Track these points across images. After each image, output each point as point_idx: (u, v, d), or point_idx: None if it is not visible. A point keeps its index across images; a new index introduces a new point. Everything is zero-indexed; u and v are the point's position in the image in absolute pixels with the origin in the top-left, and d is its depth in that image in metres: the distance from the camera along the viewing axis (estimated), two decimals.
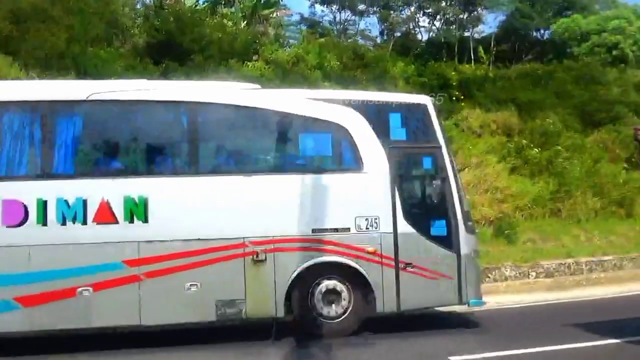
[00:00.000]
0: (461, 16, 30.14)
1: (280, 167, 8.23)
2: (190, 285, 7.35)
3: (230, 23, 22.65)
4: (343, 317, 7.75)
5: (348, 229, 7.76)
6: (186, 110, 7.93)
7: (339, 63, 22.74)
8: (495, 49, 29.05)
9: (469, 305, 8.20)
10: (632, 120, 24.67)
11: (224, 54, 20.30)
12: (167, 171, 7.94)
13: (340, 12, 31.43)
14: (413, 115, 8.45)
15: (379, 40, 31.67)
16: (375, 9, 30.86)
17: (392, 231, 7.80)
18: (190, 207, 7.50)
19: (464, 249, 7.99)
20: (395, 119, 8.20)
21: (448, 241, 7.99)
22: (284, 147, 8.42)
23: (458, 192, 8.14)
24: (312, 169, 8.07)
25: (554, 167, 19.12)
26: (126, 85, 8.52)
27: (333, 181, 7.82)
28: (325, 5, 31.27)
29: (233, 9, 24.06)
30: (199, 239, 7.40)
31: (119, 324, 7.54)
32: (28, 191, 7.19)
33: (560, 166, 19.16)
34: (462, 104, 22.95)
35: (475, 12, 30.33)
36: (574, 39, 29.45)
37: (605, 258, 14.56)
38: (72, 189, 7.30)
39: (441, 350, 7.10)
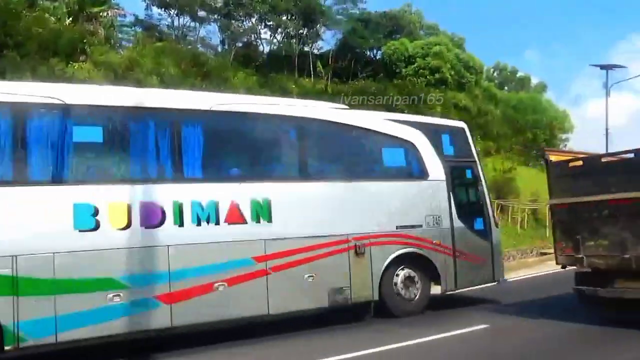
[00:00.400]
0: (301, 31, 30.82)
1: (370, 175, 9.87)
2: (308, 276, 8.59)
3: (52, 18, 20.34)
4: (417, 298, 9.70)
5: (420, 226, 9.75)
6: (301, 124, 9.28)
7: (177, 69, 21.76)
8: (333, 65, 30.29)
9: (499, 282, 10.74)
10: None
11: (44, 51, 18.12)
12: (286, 177, 9.08)
13: (178, 17, 30.04)
14: (457, 136, 10.69)
15: (220, 49, 30.98)
16: (216, 17, 30.10)
17: (449, 226, 9.99)
18: (305, 209, 8.71)
19: (494, 239, 10.56)
20: (445, 139, 10.39)
21: (484, 233, 10.48)
22: (373, 159, 10.13)
23: (488, 196, 10.89)
24: (392, 177, 9.94)
25: None
26: (244, 99, 10.53)
27: (409, 187, 9.91)
28: (163, 9, 29.62)
29: (57, 4, 21.65)
30: (313, 236, 8.67)
31: (250, 315, 8.26)
32: (164, 194, 7.70)
33: None
34: None
35: (315, 28, 31.29)
36: (402, 60, 31.96)
37: None
38: (205, 192, 8.01)
39: None
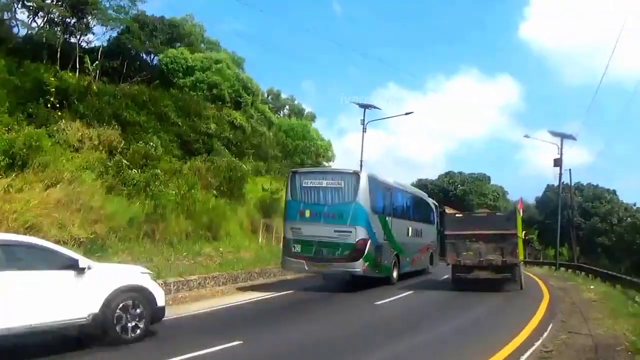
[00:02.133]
0: (68, 19, 27.47)
1: (430, 221, 24.79)
2: (423, 258, 22.91)
3: None
4: (430, 268, 24.12)
5: (433, 241, 24.76)
6: (427, 202, 25.35)
7: None
8: (103, 62, 27.58)
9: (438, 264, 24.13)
10: (225, 152, 27.61)
11: None
12: (422, 220, 23.11)
13: None
14: (436, 207, 26.56)
15: None
16: None
17: (436, 241, 25.01)
18: (424, 232, 22.94)
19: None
20: (435, 207, 26.32)
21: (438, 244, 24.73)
22: (431, 215, 25.17)
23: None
24: (431, 223, 24.86)
25: (152, 190, 19.11)
26: (419, 191, 26.78)
27: (432, 227, 24.93)
28: None
29: None
30: (425, 244, 23.16)
31: (419, 269, 22.44)
32: (412, 225, 21.33)
33: (158, 189, 19.31)
34: (60, 113, 20.71)
35: (85, 20, 28.13)
36: (180, 70, 30.99)
37: (191, 278, 15.09)
38: (415, 225, 21.73)
39: None
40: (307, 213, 16.35)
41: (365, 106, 35.62)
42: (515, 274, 17.57)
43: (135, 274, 8.77)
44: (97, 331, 7.94)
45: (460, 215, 20.84)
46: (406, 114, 38.65)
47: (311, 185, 16.78)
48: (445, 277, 19.96)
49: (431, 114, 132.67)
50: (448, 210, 22.80)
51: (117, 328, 8.06)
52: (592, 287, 20.67)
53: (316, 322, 11.79)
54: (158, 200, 18.93)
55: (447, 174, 70.21)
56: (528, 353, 8.50)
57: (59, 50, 26.00)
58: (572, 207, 43.85)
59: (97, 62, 26.62)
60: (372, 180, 17.02)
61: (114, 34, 30.65)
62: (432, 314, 13.21)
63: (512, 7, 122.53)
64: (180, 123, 26.20)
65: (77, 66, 26.42)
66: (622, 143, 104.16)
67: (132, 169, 19.64)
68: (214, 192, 23.64)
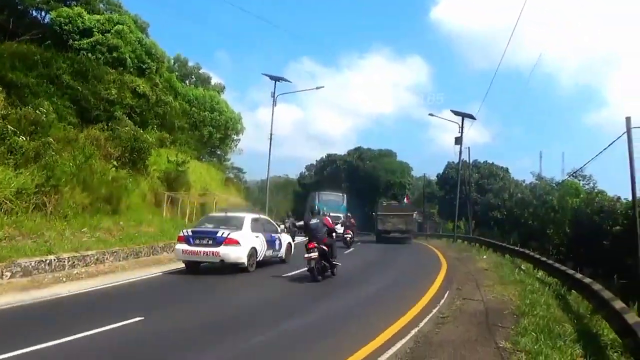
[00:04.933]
0: None
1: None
2: None
3: None
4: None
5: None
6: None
7: None
8: None
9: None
10: (126, 121, 26.03)
11: None
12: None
13: None
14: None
15: None
16: None
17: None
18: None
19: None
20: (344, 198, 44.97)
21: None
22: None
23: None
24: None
25: (43, 159, 17.60)
26: None
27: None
28: None
29: None
30: None
31: None
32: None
33: (50, 159, 17.82)
34: None
35: None
36: (76, 31, 28.58)
37: (88, 253, 14.18)
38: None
39: None
40: (325, 208, 29.73)
41: (276, 79, 35.32)
42: (411, 235, 35.30)
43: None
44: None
45: (385, 204, 38.95)
46: (317, 88, 39.65)
47: (325, 198, 40.95)
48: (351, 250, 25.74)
49: (344, 90, 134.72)
50: (382, 201, 37.87)
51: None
52: (484, 257, 22.12)
53: (221, 296, 11.64)
54: (51, 170, 17.49)
55: (357, 149, 71.70)
56: (426, 319, 8.93)
57: None
58: (469, 184, 46.55)
59: None
60: (346, 197, 43.93)
61: None
62: (340, 286, 13.35)
63: None
64: (77, 87, 24.30)
65: None
66: (516, 125, 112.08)
67: (19, 137, 17.92)
68: (115, 162, 22.29)
